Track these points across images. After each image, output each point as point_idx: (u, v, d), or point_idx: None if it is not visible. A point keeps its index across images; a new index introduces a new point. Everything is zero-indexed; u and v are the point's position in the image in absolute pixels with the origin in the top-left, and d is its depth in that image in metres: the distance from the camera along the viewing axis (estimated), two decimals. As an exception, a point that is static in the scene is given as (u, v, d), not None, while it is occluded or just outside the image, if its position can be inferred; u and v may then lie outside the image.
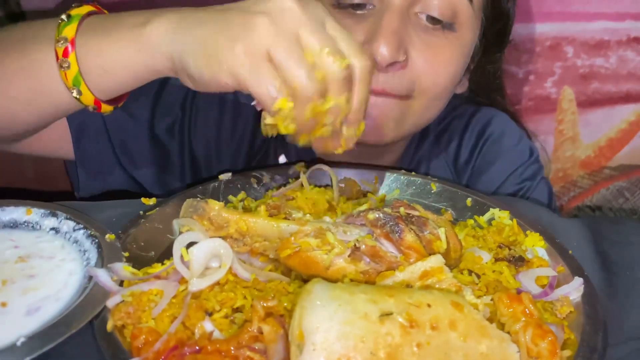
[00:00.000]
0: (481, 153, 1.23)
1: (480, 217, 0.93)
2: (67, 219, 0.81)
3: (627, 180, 1.58)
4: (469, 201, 0.96)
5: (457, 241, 0.78)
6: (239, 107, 1.19)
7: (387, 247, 0.72)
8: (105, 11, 0.89)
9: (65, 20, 0.82)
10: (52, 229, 0.81)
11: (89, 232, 0.79)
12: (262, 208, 0.77)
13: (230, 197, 0.95)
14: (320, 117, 0.73)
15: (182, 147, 1.17)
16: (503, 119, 1.27)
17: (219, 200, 0.93)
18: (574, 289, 0.76)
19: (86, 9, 0.84)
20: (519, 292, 0.72)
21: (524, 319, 0.66)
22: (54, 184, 1.50)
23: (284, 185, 0.98)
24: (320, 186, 0.97)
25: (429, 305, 0.59)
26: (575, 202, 1.61)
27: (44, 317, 0.66)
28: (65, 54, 0.80)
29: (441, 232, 0.75)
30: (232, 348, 0.61)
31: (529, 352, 0.63)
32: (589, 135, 1.55)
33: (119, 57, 0.78)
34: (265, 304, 0.64)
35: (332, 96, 0.72)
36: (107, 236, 0.78)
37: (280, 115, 0.71)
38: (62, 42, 0.80)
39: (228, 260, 0.71)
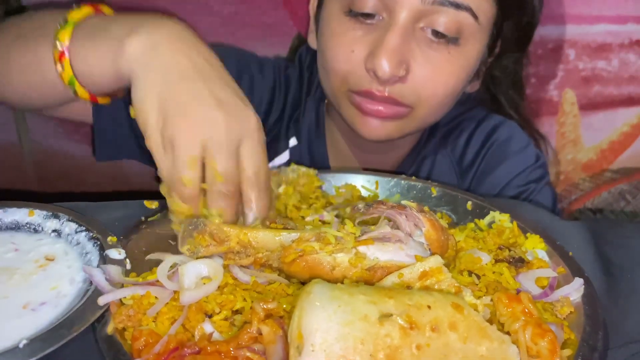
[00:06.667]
0: (486, 156, 1.24)
1: (481, 220, 0.93)
2: (69, 220, 0.81)
3: (628, 183, 1.58)
4: (469, 205, 0.96)
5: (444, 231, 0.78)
6: (250, 89, 1.21)
7: (402, 221, 0.75)
8: (107, 10, 0.92)
9: (62, 24, 0.87)
10: (54, 230, 0.81)
11: (91, 234, 0.79)
12: (257, 224, 0.78)
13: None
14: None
15: None
16: (511, 125, 1.28)
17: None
18: (574, 290, 0.76)
19: (84, 11, 0.89)
20: (518, 292, 0.73)
21: (523, 318, 0.66)
22: (54, 186, 1.51)
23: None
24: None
25: (429, 307, 0.59)
26: (576, 205, 1.61)
27: (45, 319, 0.66)
28: (60, 58, 0.87)
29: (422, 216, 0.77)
30: (231, 349, 0.61)
31: (529, 351, 0.63)
32: (590, 138, 1.55)
33: (98, 65, 0.85)
34: (265, 306, 0.64)
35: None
36: (109, 238, 0.78)
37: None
38: (58, 46, 0.86)
39: (220, 274, 0.71)
